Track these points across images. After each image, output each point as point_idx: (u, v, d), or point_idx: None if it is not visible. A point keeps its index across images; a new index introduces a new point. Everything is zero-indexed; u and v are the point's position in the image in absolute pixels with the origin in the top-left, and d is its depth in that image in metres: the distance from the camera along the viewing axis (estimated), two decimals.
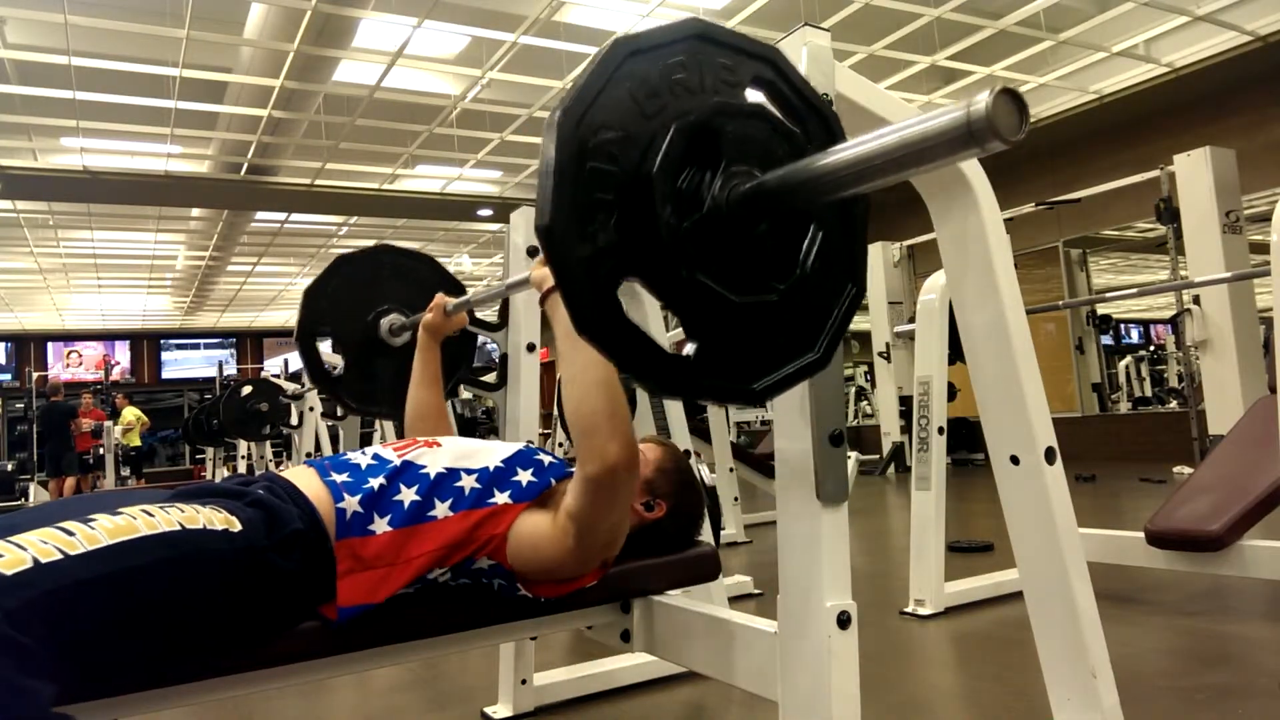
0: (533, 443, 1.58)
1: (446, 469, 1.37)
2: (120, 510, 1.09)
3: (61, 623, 0.97)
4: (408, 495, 1.32)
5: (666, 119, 0.89)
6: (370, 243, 12.80)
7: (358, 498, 1.29)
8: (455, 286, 2.24)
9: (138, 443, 12.82)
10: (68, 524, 1.03)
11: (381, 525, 1.29)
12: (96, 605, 1.00)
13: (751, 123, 0.93)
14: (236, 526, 1.16)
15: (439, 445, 1.44)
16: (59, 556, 0.98)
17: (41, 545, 0.98)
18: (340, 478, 1.33)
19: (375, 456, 1.40)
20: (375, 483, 1.32)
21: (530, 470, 1.41)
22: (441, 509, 1.33)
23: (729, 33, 0.98)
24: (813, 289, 1.00)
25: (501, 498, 1.36)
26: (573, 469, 1.43)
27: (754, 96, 1.00)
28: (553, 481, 1.41)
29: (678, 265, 0.89)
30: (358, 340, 2.22)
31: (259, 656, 1.21)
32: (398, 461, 1.37)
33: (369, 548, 1.27)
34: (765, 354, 0.98)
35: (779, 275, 0.96)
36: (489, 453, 1.43)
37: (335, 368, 2.26)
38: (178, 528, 1.09)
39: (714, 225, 0.90)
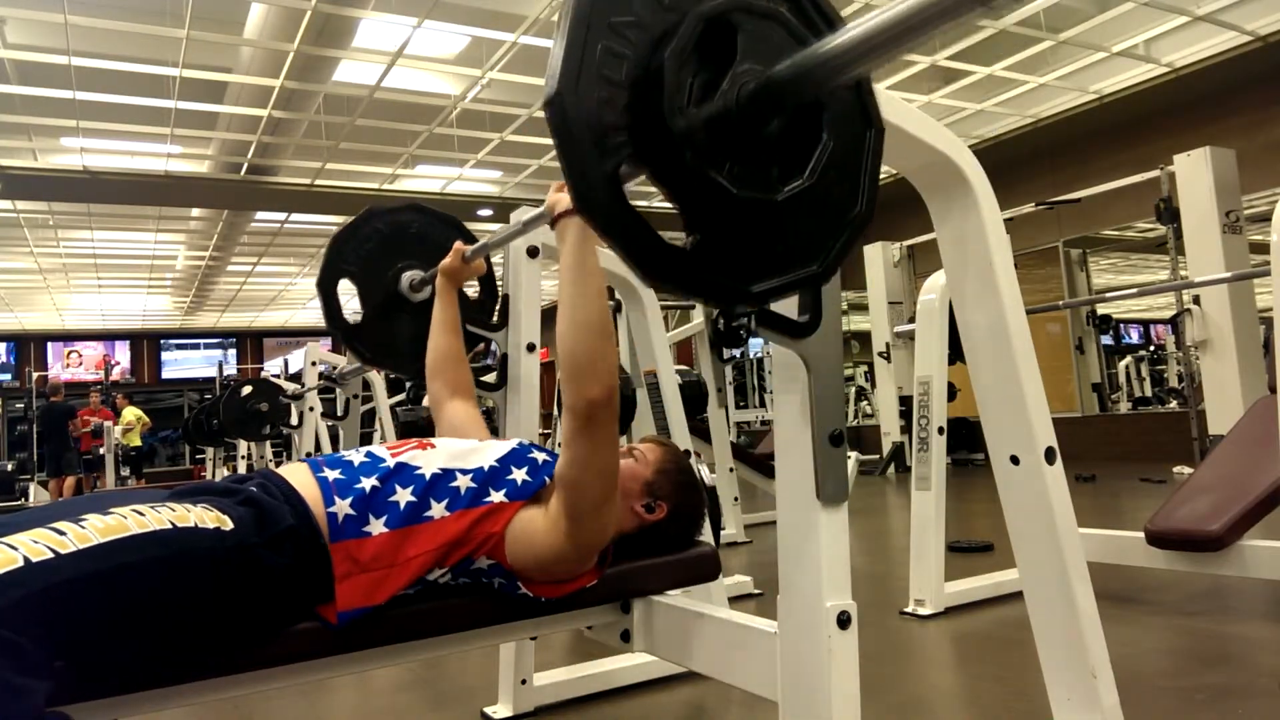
0: (525, 441, 1.58)
1: (441, 469, 1.37)
2: (112, 510, 1.09)
3: (55, 621, 0.97)
4: (403, 496, 1.32)
5: (683, 9, 0.89)
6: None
7: (349, 500, 1.29)
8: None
9: (138, 443, 12.82)
10: (59, 524, 1.04)
11: (377, 527, 1.28)
12: (89, 604, 1.01)
13: (767, 23, 0.92)
14: (228, 525, 1.16)
15: (433, 446, 1.44)
16: (50, 555, 0.98)
17: (33, 545, 0.99)
18: (333, 474, 1.32)
19: (369, 455, 1.40)
20: (368, 483, 1.32)
21: (525, 469, 1.41)
22: (438, 509, 1.32)
23: None
24: (819, 200, 0.98)
25: (497, 496, 1.36)
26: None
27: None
28: (547, 480, 1.41)
29: (683, 153, 0.87)
30: (378, 291, 2.23)
31: (259, 656, 1.22)
32: (392, 463, 1.37)
33: (365, 550, 1.27)
34: (766, 258, 0.97)
35: (785, 178, 0.95)
36: (483, 452, 1.43)
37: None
38: (169, 526, 1.10)
39: (724, 119, 0.88)
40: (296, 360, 15.34)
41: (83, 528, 1.04)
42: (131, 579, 1.04)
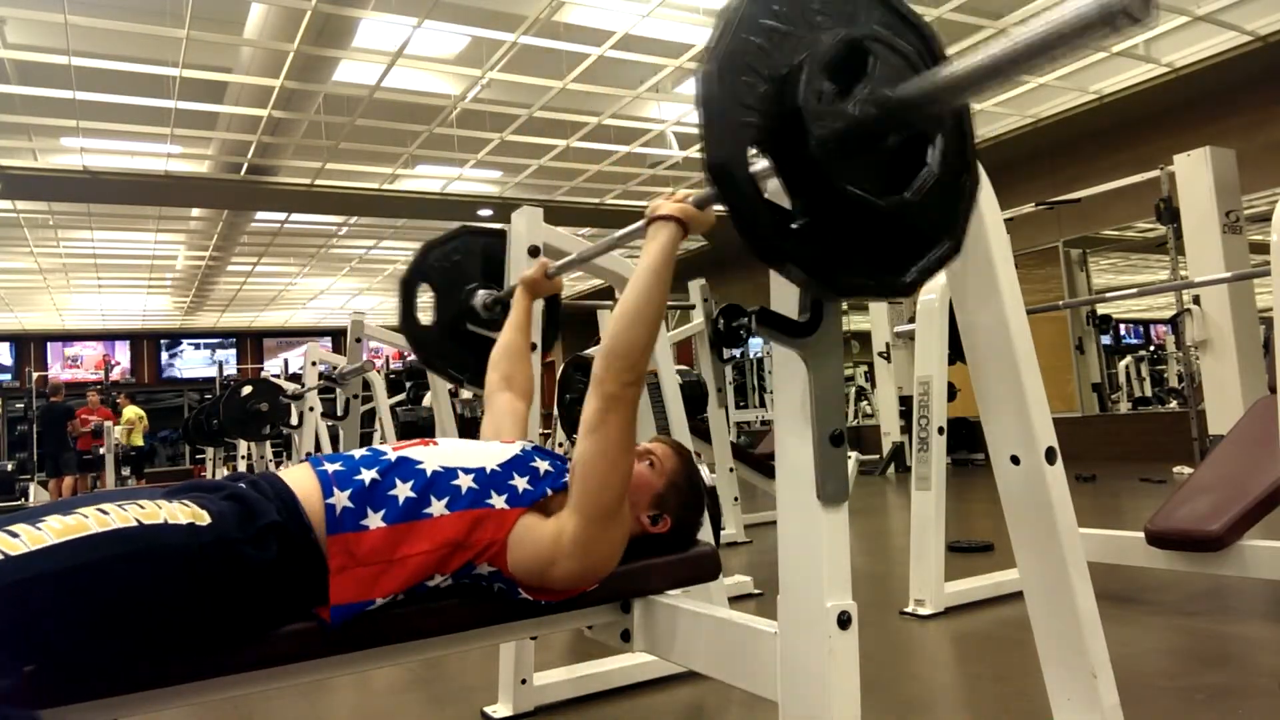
0: (532, 443, 1.58)
1: (443, 467, 1.36)
2: (75, 510, 1.08)
3: (12, 624, 0.98)
4: (403, 491, 1.31)
5: (828, 28, 1.05)
6: (371, 243, 12.77)
7: (348, 492, 1.28)
8: None
9: (140, 442, 12.82)
10: (14, 526, 1.03)
11: (375, 520, 1.28)
12: (47, 604, 1.00)
13: (893, 53, 1.05)
14: (205, 519, 1.16)
15: (435, 444, 1.44)
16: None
17: None
18: (333, 467, 1.32)
19: (371, 450, 1.40)
20: (368, 475, 1.31)
21: (527, 478, 1.40)
22: (438, 506, 1.32)
23: None
24: (914, 220, 1.10)
25: (498, 501, 1.35)
26: (569, 479, 1.43)
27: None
28: (549, 491, 1.40)
29: (809, 144, 0.99)
30: (453, 303, 2.34)
31: (258, 656, 1.22)
32: (393, 456, 1.36)
33: (363, 544, 1.26)
34: (862, 255, 1.08)
35: (892, 189, 1.06)
36: (486, 454, 1.43)
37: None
38: (134, 524, 1.09)
39: (852, 124, 1.00)
40: (296, 361, 15.35)
41: (38, 529, 1.03)
42: (89, 579, 1.03)
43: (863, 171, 1.02)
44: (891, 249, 1.10)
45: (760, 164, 1.04)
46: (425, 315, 2.38)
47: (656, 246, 1.36)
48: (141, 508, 1.12)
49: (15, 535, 1.02)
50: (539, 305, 2.09)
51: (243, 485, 1.26)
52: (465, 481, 1.35)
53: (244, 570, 1.17)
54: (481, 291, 2.30)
